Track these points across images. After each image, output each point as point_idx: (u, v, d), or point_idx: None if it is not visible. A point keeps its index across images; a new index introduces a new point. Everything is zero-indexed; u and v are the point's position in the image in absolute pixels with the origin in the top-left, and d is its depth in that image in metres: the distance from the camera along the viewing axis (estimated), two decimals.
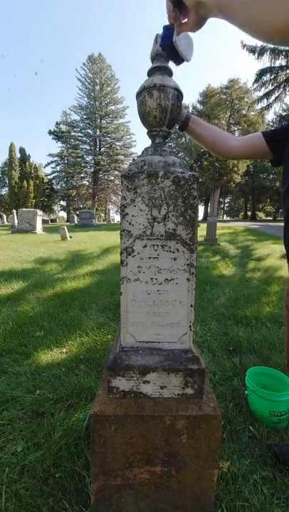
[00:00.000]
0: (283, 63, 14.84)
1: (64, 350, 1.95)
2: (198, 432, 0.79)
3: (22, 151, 35.30)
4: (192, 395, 0.84)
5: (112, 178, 34.95)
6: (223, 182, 28.01)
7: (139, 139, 40.15)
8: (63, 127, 36.04)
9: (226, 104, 34.27)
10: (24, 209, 11.74)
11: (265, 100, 16.31)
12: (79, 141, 33.76)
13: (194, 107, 35.93)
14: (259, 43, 13.10)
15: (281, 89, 15.57)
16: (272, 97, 16.01)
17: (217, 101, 34.13)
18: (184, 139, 36.03)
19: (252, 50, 14.59)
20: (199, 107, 35.67)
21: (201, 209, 37.85)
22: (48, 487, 0.97)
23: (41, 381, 1.57)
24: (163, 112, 0.84)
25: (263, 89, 16.15)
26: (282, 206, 0.93)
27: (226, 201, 56.78)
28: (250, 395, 1.37)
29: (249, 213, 43.23)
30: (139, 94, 0.85)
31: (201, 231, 8.98)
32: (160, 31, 0.78)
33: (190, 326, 0.84)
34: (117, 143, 34.46)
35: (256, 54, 14.59)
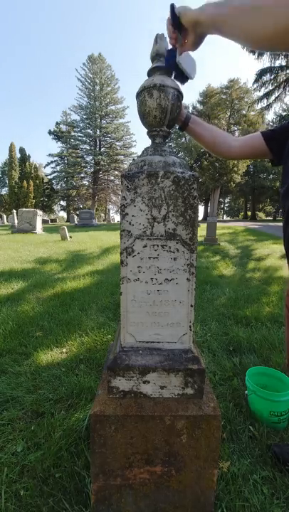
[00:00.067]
0: (283, 63, 14.87)
1: (64, 350, 1.95)
2: (198, 432, 0.79)
3: (22, 151, 35.32)
4: (192, 395, 0.84)
5: (112, 178, 34.94)
6: (223, 182, 28.01)
7: (139, 139, 40.18)
8: (63, 127, 36.04)
9: (225, 104, 34.30)
10: (24, 209, 11.74)
11: (265, 100, 16.35)
12: (79, 141, 33.75)
13: (194, 107, 35.97)
14: None
15: (281, 89, 15.60)
16: (272, 97, 16.04)
17: (217, 101, 34.16)
18: (183, 139, 36.05)
19: (252, 50, 14.58)
20: (199, 107, 35.69)
21: (201, 209, 37.87)
22: (48, 487, 0.97)
23: (41, 381, 1.57)
24: (163, 111, 0.84)
25: (263, 89, 16.19)
26: (281, 206, 0.93)
27: (226, 201, 56.77)
28: (250, 395, 1.37)
29: (249, 213, 43.23)
30: (139, 94, 0.85)
31: (201, 231, 8.98)
32: (160, 31, 0.81)
33: (190, 326, 0.84)
34: (117, 143, 34.45)
35: (256, 54, 14.61)
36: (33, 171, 33.86)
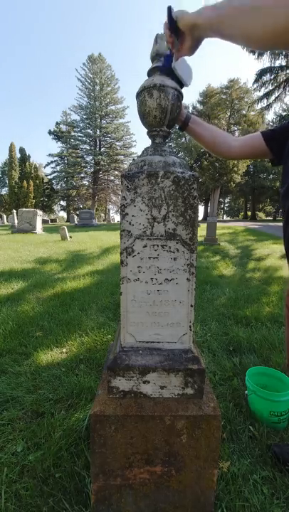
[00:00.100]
0: (283, 63, 14.87)
1: (64, 350, 1.95)
2: (198, 432, 0.79)
3: (22, 151, 35.31)
4: (192, 395, 0.84)
5: (112, 178, 34.94)
6: (223, 182, 28.01)
7: (139, 139, 40.17)
8: (63, 127, 36.04)
9: (225, 104, 34.29)
10: (24, 209, 11.74)
11: (265, 100, 16.36)
12: (79, 141, 33.74)
13: (194, 107, 35.96)
14: None
15: (281, 89, 15.60)
16: (272, 97, 16.05)
17: (217, 101, 34.15)
18: (183, 139, 36.04)
19: (252, 50, 14.58)
20: (199, 107, 35.69)
21: (201, 209, 37.86)
22: (48, 487, 0.97)
23: (41, 381, 1.57)
24: (163, 111, 0.84)
25: (263, 89, 16.20)
26: (281, 206, 0.93)
27: (226, 201, 56.76)
28: (250, 395, 1.37)
29: (249, 213, 43.22)
30: (139, 94, 0.85)
31: (201, 231, 8.98)
32: (160, 32, 0.81)
33: (190, 326, 0.84)
34: (117, 143, 34.45)
35: (256, 54, 14.61)
36: (33, 171, 33.85)
